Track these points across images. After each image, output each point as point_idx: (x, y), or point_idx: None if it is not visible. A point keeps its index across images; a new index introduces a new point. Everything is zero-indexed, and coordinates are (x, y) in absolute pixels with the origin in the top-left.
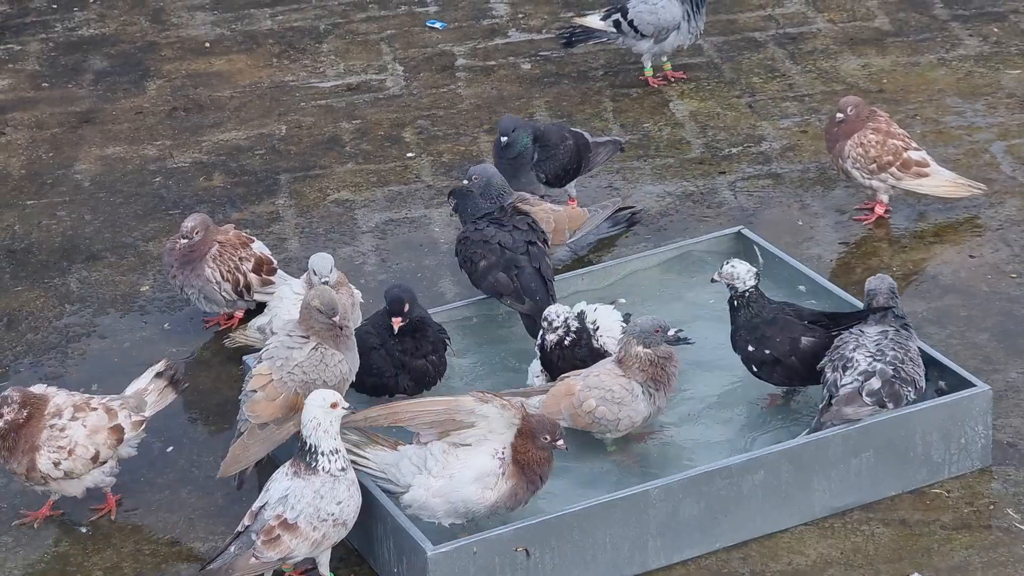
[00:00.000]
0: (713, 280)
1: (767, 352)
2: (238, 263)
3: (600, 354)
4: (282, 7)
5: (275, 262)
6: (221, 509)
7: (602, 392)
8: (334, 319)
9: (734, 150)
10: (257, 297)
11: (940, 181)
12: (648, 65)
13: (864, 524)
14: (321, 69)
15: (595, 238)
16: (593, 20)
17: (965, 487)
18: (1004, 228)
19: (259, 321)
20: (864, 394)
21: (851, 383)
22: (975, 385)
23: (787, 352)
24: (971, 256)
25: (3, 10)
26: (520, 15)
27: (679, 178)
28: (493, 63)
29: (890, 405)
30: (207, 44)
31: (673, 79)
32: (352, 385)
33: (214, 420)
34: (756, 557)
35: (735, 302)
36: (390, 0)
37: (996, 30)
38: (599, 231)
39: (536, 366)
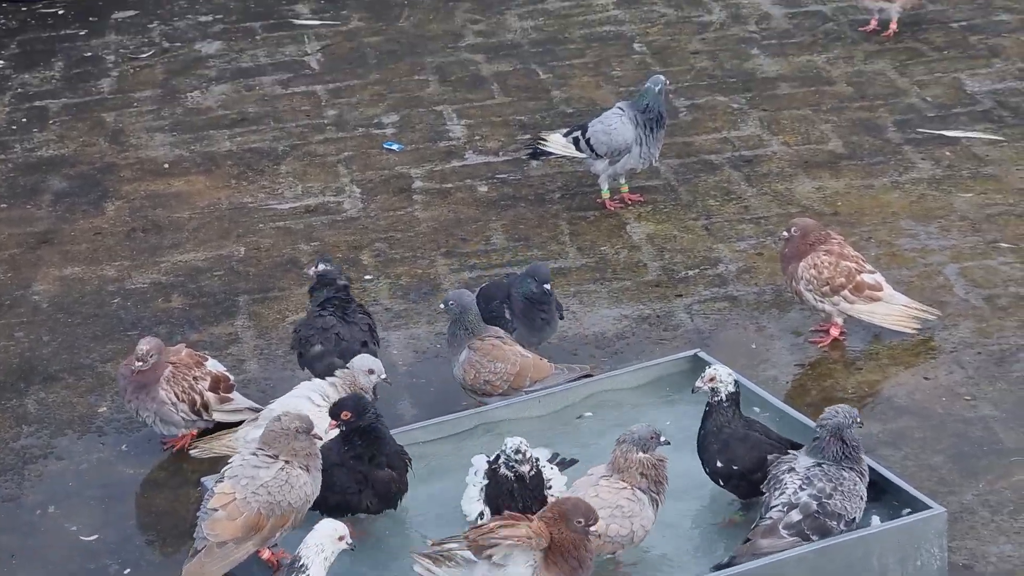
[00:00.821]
0: (695, 389)
1: (735, 468)
2: (192, 383)
3: (543, 499)
4: (240, 128)
5: (232, 379)
6: None
7: (610, 510)
8: (313, 432)
9: (691, 272)
10: (216, 416)
11: (892, 309)
12: (605, 187)
13: None
14: (279, 191)
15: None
16: (556, 138)
17: None
18: (958, 350)
19: (253, 432)
20: (782, 527)
21: (775, 511)
22: (931, 507)
23: (753, 469)
24: (926, 378)
25: None
26: (477, 137)
27: (636, 301)
28: (450, 185)
29: (814, 537)
30: (166, 165)
31: (630, 202)
32: (315, 505)
33: (171, 542)
34: None
35: (712, 406)
36: (347, 122)
37: (948, 154)
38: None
39: (474, 495)
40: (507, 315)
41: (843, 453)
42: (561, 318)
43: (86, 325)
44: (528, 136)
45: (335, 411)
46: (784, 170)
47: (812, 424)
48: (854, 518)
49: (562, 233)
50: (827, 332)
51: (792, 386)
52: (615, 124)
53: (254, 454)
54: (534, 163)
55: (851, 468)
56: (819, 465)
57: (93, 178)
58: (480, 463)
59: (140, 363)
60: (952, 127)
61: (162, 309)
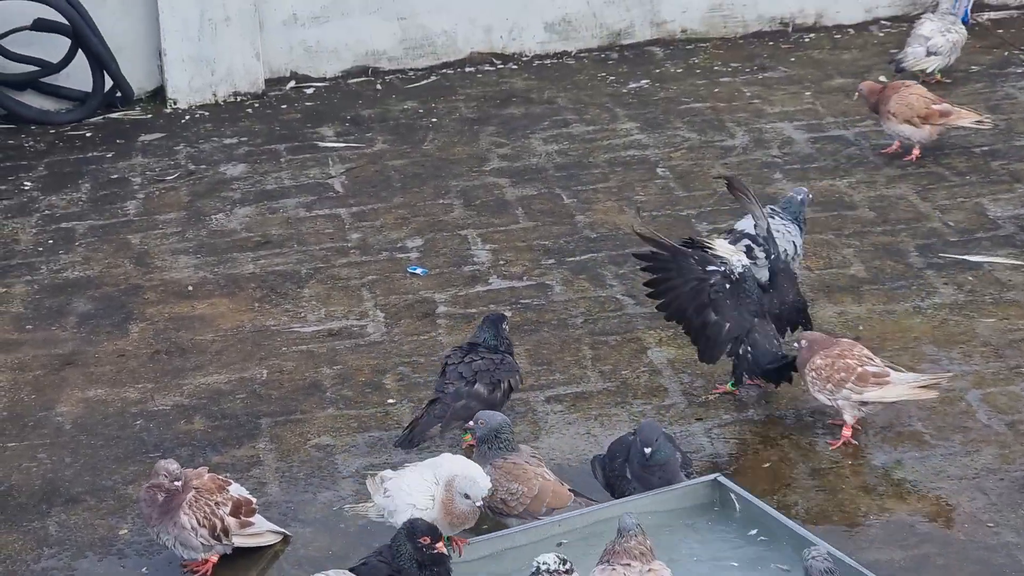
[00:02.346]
0: None
1: None
2: (214, 508)
3: None
4: (264, 252)
5: (255, 502)
6: None
7: None
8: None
9: (711, 397)
10: (237, 541)
11: (902, 389)
12: None
13: None
14: (302, 314)
15: None
16: (721, 244)
17: None
18: (980, 477)
19: (387, 472)
20: None
21: None
22: None
23: None
24: (948, 505)
25: None
26: (501, 262)
27: (658, 425)
28: (474, 310)
29: None
30: (190, 288)
31: None
32: None
33: None
34: None
35: None
36: (371, 246)
37: (971, 279)
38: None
39: None
40: (628, 474)
41: None
42: (689, 475)
43: (108, 447)
44: (551, 261)
45: (438, 534)
46: (806, 295)
47: (835, 551)
48: None
49: (584, 358)
50: (842, 433)
51: (813, 511)
52: (791, 233)
53: None
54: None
55: None
56: None
57: (118, 300)
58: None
59: (178, 482)
60: (974, 252)
61: (184, 431)
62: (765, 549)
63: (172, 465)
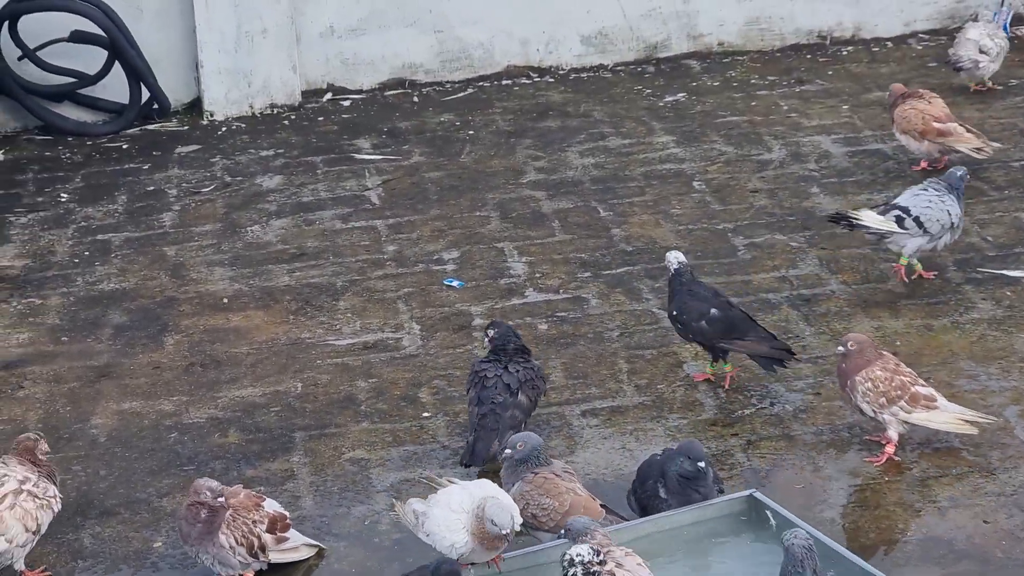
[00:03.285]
0: None
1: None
2: (251, 526)
3: None
4: (299, 264)
5: (289, 516)
6: None
7: None
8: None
9: (747, 411)
10: (272, 557)
11: (947, 417)
12: (914, 261)
13: None
14: (337, 327)
15: None
16: (868, 215)
17: None
18: (1019, 493)
19: (417, 505)
20: None
21: None
22: None
23: None
24: (985, 522)
25: (26, 264)
26: (538, 275)
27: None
28: (510, 323)
29: None
30: (225, 300)
31: (925, 277)
32: None
33: None
34: None
35: None
36: (407, 258)
37: (1009, 294)
38: None
39: None
40: (662, 494)
41: None
42: (721, 492)
43: (143, 460)
44: (588, 274)
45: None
46: (843, 309)
47: (871, 569)
48: None
49: (620, 371)
50: (883, 451)
51: (850, 528)
52: (948, 200)
53: None
54: (839, 229)
55: None
56: None
57: (153, 312)
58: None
59: (221, 498)
60: (1013, 267)
61: (218, 444)
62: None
63: (213, 483)
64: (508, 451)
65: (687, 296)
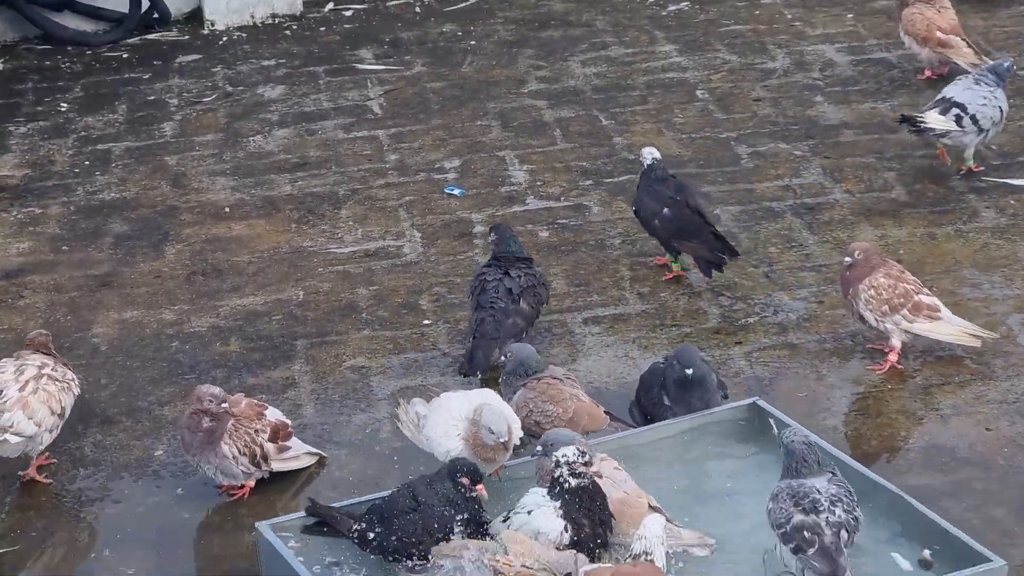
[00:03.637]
0: None
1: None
2: (254, 435)
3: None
4: (301, 173)
5: (290, 424)
6: None
7: None
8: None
9: (751, 320)
10: (275, 466)
11: (951, 329)
12: (970, 157)
13: None
14: (339, 235)
15: None
16: (932, 116)
17: None
18: (1021, 401)
19: (420, 407)
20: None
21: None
22: (991, 560)
23: None
24: (988, 429)
25: (26, 173)
26: (539, 182)
27: (695, 348)
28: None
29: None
30: (227, 209)
31: (975, 171)
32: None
33: None
34: None
35: None
36: (409, 167)
37: (1013, 202)
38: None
39: (550, 512)
40: (665, 401)
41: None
42: (725, 397)
43: (144, 368)
44: (589, 182)
45: (479, 476)
46: (846, 218)
47: (876, 477)
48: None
49: (622, 279)
50: (885, 359)
51: (852, 436)
52: (998, 98)
53: None
54: (905, 130)
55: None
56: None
57: (154, 221)
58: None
59: (224, 404)
60: (1017, 175)
61: (220, 353)
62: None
63: (215, 389)
64: (501, 358)
65: (645, 194)
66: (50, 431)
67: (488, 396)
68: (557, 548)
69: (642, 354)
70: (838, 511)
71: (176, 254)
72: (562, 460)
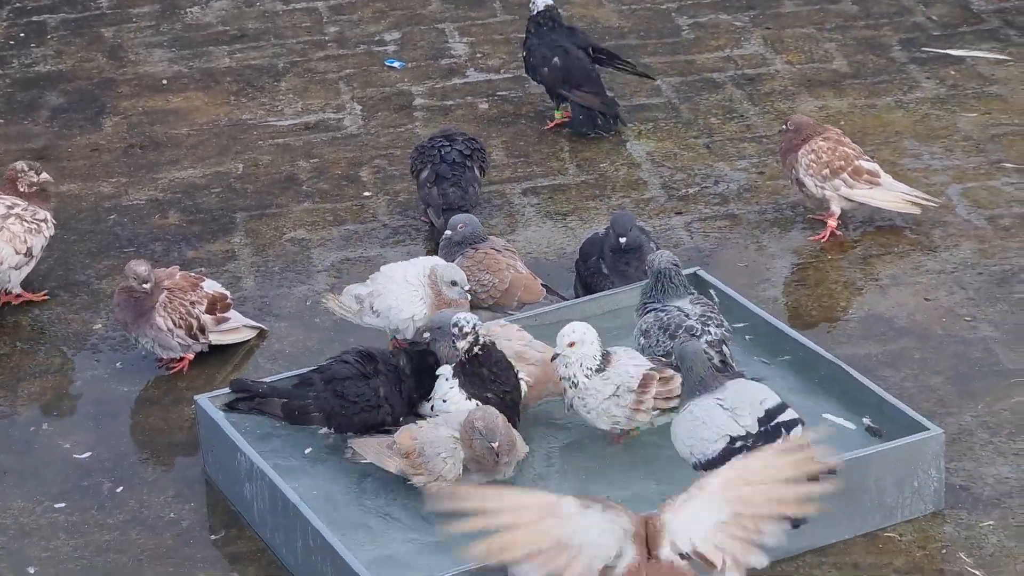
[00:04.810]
0: None
1: None
2: (189, 308)
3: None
4: (240, 45)
5: (229, 296)
6: (170, 550)
7: None
8: (493, 445)
9: (691, 191)
10: (213, 338)
11: (892, 196)
12: None
13: (816, 568)
14: (279, 107)
15: None
16: None
17: (918, 531)
18: (959, 271)
19: (358, 289)
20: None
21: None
22: (928, 429)
23: None
24: (926, 299)
25: None
26: (479, 55)
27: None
28: (451, 103)
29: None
30: (164, 81)
31: None
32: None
33: (164, 460)
34: None
35: None
36: (349, 39)
37: (953, 73)
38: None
39: (458, 397)
40: (604, 270)
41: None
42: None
43: (82, 242)
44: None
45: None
46: (787, 89)
47: (812, 345)
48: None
49: (562, 150)
50: (825, 226)
51: (792, 306)
52: None
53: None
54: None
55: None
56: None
57: (91, 94)
58: (447, 370)
59: (147, 284)
60: (957, 46)
61: (159, 226)
62: (748, 343)
63: (141, 267)
64: (448, 232)
65: (538, 41)
66: (16, 268)
67: (432, 261)
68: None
69: (581, 225)
70: (712, 328)
71: (113, 127)
72: (452, 337)
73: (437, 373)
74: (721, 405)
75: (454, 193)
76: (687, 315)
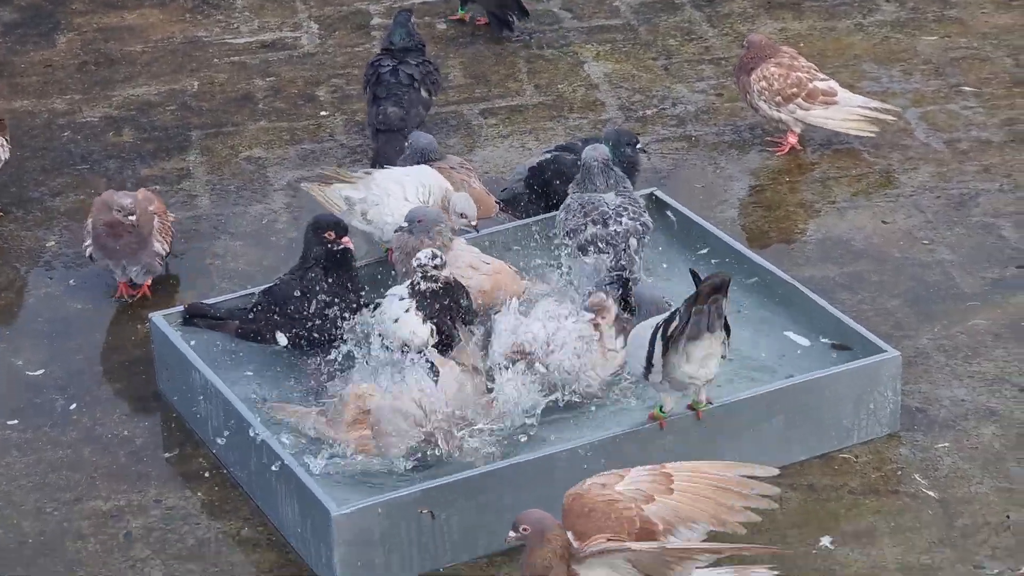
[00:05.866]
0: None
1: None
2: (172, 230)
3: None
4: None
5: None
6: (123, 467)
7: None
8: None
9: (648, 112)
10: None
11: (849, 113)
12: None
13: None
14: (235, 25)
15: None
16: None
17: (874, 452)
18: (917, 194)
19: (348, 192)
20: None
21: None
22: (885, 351)
23: None
24: (884, 222)
25: None
26: None
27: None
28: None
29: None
30: None
31: None
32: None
33: (118, 378)
34: None
35: None
36: None
37: None
38: None
39: (413, 320)
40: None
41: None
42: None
43: (35, 159)
44: None
45: (343, 228)
46: (746, 11)
47: (770, 267)
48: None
49: (519, 71)
50: (785, 140)
51: (750, 227)
52: None
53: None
54: None
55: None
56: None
57: (44, 9)
58: (399, 290)
59: (132, 216)
60: None
61: (113, 143)
62: (706, 264)
63: (126, 199)
64: (406, 146)
65: None
66: None
67: (425, 173)
68: (425, 347)
69: (538, 144)
70: (624, 220)
71: (67, 43)
72: (414, 264)
73: (389, 293)
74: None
75: (394, 114)
76: (607, 203)
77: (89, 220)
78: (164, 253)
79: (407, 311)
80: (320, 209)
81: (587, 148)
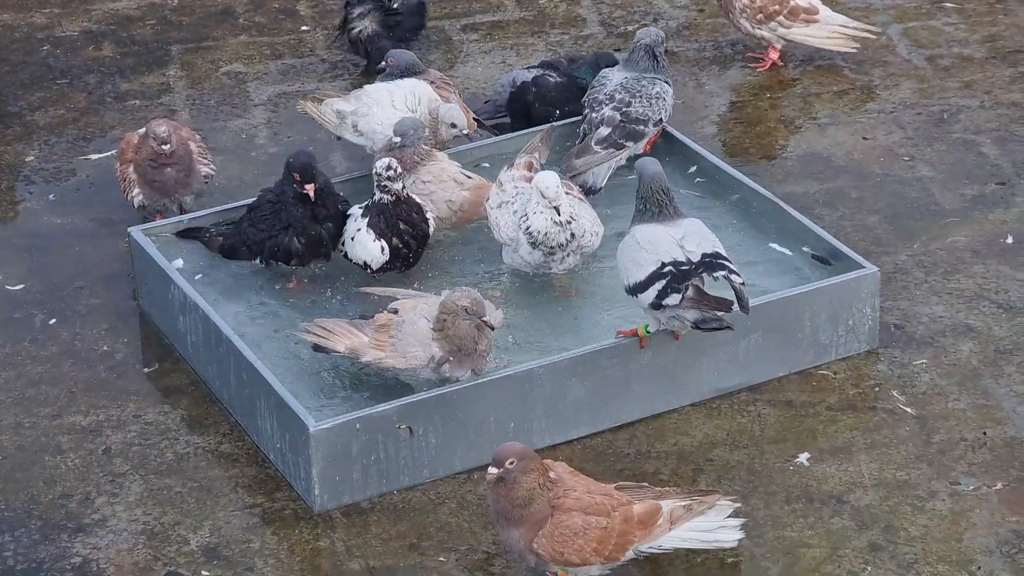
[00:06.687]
0: None
1: None
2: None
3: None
4: None
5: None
6: (103, 382)
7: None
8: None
9: (630, 27)
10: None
11: (830, 31)
12: None
13: (750, 405)
14: None
15: None
16: None
17: (852, 369)
18: (898, 111)
19: (340, 105)
20: (594, 143)
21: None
22: (864, 267)
23: None
24: (864, 138)
25: None
26: None
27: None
28: None
29: (629, 144)
30: None
31: None
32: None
33: (98, 293)
34: (642, 438)
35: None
36: None
37: None
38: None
39: (366, 238)
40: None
41: (652, 66)
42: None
43: (14, 73)
44: None
45: (308, 175)
46: None
47: (750, 182)
48: (660, 119)
49: None
50: (766, 56)
51: (731, 143)
52: None
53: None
54: None
55: (658, 78)
56: (626, 79)
57: None
58: (356, 210)
59: (167, 146)
60: None
61: (93, 58)
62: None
63: (161, 127)
64: (382, 64)
65: None
66: None
67: (414, 84)
68: (378, 270)
69: (520, 60)
70: (606, 109)
71: None
72: (373, 172)
73: (348, 213)
74: (670, 235)
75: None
76: (608, 84)
77: (127, 167)
78: (213, 173)
79: (359, 230)
80: (316, 128)
81: (640, 31)
